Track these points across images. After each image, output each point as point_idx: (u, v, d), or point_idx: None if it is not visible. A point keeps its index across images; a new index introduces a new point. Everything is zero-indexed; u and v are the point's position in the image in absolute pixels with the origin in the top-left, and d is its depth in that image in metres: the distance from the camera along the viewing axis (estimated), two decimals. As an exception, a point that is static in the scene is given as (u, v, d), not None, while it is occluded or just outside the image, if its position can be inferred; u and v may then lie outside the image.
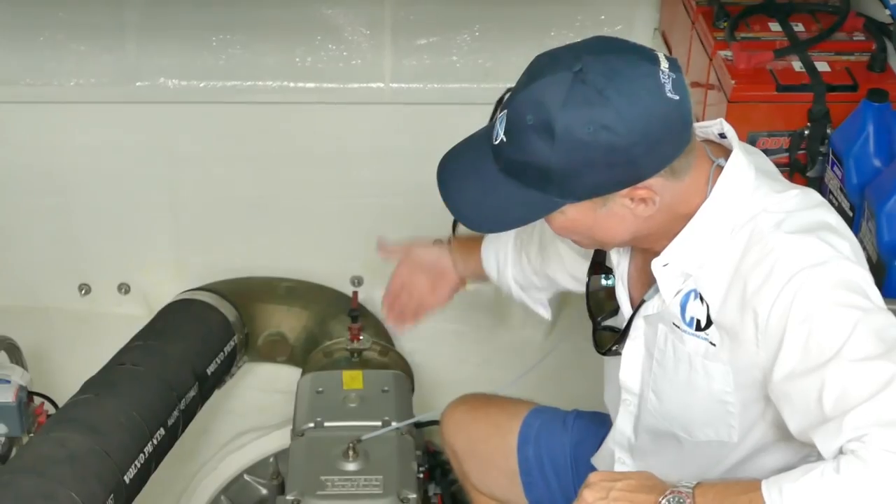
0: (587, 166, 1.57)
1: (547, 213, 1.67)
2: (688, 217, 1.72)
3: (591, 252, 2.03)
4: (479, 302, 3.92)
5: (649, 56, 1.59)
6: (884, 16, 3.11)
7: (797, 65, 2.94)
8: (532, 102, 1.57)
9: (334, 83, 3.64)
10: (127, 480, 2.58)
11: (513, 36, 3.57)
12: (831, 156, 2.88)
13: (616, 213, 1.67)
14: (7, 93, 3.57)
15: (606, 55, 1.58)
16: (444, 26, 3.62)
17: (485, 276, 2.41)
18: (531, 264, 2.31)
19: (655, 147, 1.58)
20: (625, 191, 1.62)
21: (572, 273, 2.23)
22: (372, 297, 3.79)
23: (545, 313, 2.38)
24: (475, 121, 3.50)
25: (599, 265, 2.02)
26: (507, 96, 1.67)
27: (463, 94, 3.62)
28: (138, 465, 2.64)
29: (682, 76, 1.60)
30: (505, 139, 1.62)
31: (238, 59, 3.60)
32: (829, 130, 2.88)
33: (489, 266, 2.37)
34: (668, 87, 1.55)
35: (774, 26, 3.05)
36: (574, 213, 1.67)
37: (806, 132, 2.90)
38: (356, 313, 3.60)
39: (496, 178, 1.66)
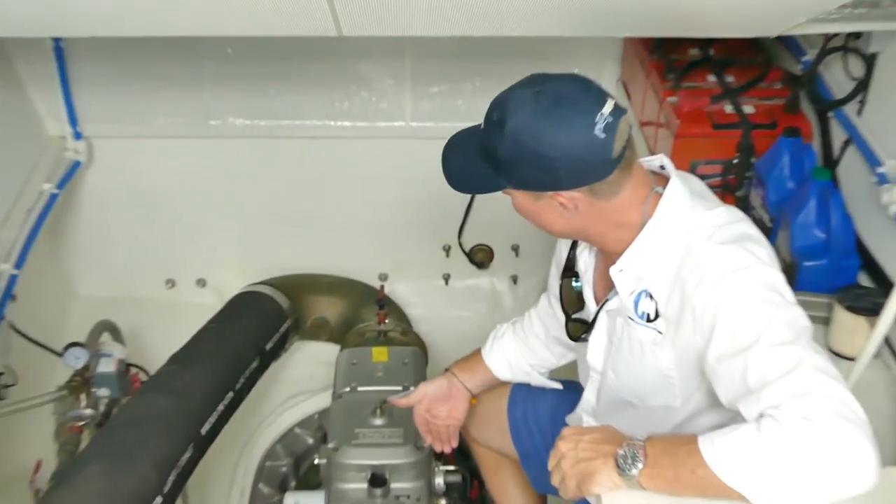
0: (521, 163, 1.64)
1: (495, 189, 1.74)
2: (627, 229, 1.75)
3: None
4: (478, 296, 3.94)
5: (598, 98, 1.61)
6: (797, 69, 3.11)
7: (729, 108, 2.95)
8: (500, 103, 1.66)
9: (365, 122, 3.66)
10: (203, 433, 2.60)
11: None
12: (755, 179, 2.89)
13: (547, 208, 1.72)
14: (110, 130, 3.59)
15: (565, 87, 1.61)
16: (452, 78, 3.63)
17: (494, 381, 2.34)
18: (539, 341, 2.28)
19: (574, 168, 1.62)
20: (550, 193, 1.67)
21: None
22: (395, 289, 3.82)
23: (558, 386, 2.33)
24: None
25: (570, 270, 2.02)
26: None
27: (464, 131, 3.61)
28: (212, 421, 2.65)
29: (619, 122, 1.61)
30: (482, 127, 1.70)
31: (289, 103, 3.61)
32: (753, 159, 2.89)
33: (501, 370, 2.32)
34: (599, 126, 1.57)
35: (711, 77, 3.05)
36: (519, 197, 1.75)
37: (735, 160, 2.91)
38: (382, 302, 3.61)
39: (474, 155, 1.72)
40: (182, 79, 3.54)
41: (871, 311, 2.44)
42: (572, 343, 2.05)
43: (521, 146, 1.62)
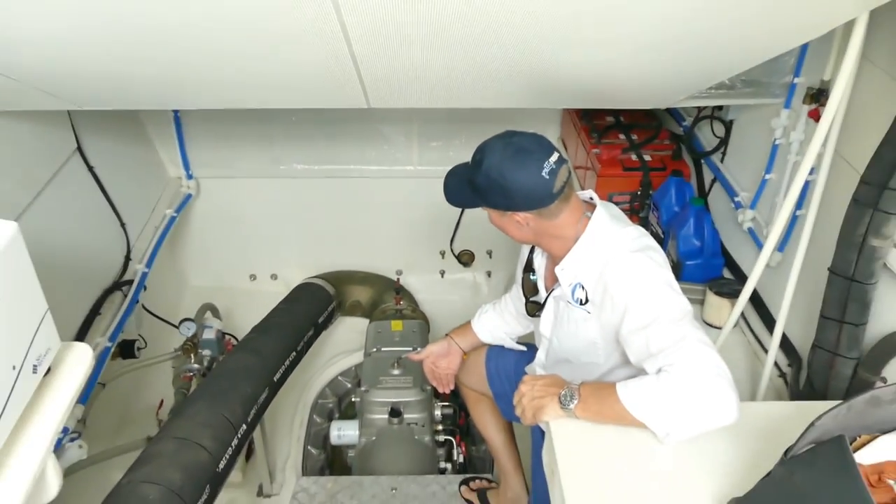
0: (490, 191, 1.65)
1: (476, 206, 1.75)
2: (567, 241, 1.74)
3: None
4: (464, 285, 3.94)
5: (547, 151, 1.63)
6: (679, 130, 3.10)
7: (633, 157, 2.94)
8: (481, 149, 1.69)
9: (385, 166, 3.64)
10: (275, 380, 2.57)
11: (481, 140, 3.51)
12: (652, 205, 2.88)
13: (509, 222, 1.73)
14: (212, 172, 3.58)
15: (526, 141, 1.64)
16: (445, 136, 3.62)
17: (479, 343, 2.31)
18: (511, 316, 2.25)
19: (526, 198, 1.64)
20: (510, 213, 1.69)
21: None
22: (406, 281, 3.81)
23: (522, 348, 2.28)
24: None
25: (529, 268, 2.01)
26: None
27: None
28: (281, 372, 2.63)
29: (560, 168, 1.64)
30: (469, 163, 1.72)
31: (334, 153, 3.60)
32: (651, 192, 2.88)
33: (484, 336, 2.28)
34: (546, 170, 1.60)
35: (622, 136, 3.04)
36: (492, 213, 1.75)
37: (639, 192, 2.90)
38: (398, 289, 3.61)
39: (463, 182, 1.73)
40: (260, 137, 3.53)
41: (732, 294, 2.44)
42: (530, 317, 2.03)
43: (490, 180, 1.63)
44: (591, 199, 1.79)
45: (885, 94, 1.84)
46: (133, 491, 1.83)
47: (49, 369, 1.50)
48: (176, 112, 3.36)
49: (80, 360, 1.63)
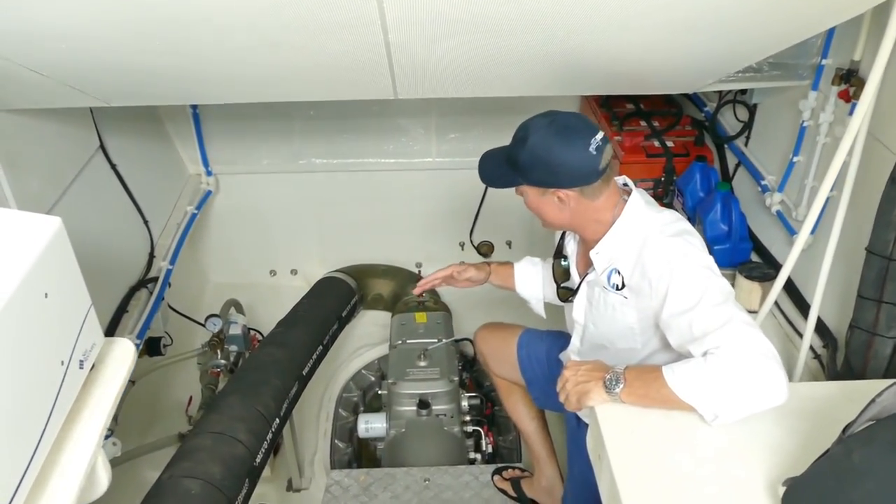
0: (535, 168, 1.65)
1: (516, 185, 1.74)
2: (603, 225, 1.74)
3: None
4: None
5: (592, 129, 1.63)
6: (700, 116, 3.09)
7: (656, 143, 2.92)
8: (524, 127, 1.68)
9: (405, 159, 3.63)
10: (304, 373, 2.58)
11: (498, 133, 3.52)
12: (676, 191, 2.87)
13: (548, 202, 1.71)
14: (231, 168, 3.58)
15: (570, 119, 1.65)
16: (463, 128, 3.61)
17: (510, 287, 2.28)
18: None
19: (571, 174, 1.64)
20: (552, 190, 1.67)
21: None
22: (426, 273, 3.75)
23: (543, 315, 2.26)
24: (478, 180, 3.53)
25: (559, 254, 2.00)
26: None
27: (473, 164, 3.52)
28: (310, 365, 2.64)
29: (605, 147, 1.64)
30: (510, 143, 1.70)
31: (353, 147, 3.59)
32: (674, 178, 2.87)
33: (519, 283, 2.25)
34: (592, 147, 1.61)
35: (643, 123, 3.03)
36: (530, 193, 1.73)
37: (662, 179, 2.89)
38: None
39: (501, 162, 1.74)
40: (279, 132, 3.53)
41: (762, 278, 2.43)
42: (562, 303, 2.02)
43: (535, 156, 1.63)
44: (626, 184, 1.78)
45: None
46: (175, 486, 1.84)
47: (93, 365, 1.51)
48: (194, 109, 3.36)
49: (123, 355, 1.63)
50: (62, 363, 1.37)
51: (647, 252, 1.65)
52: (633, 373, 1.53)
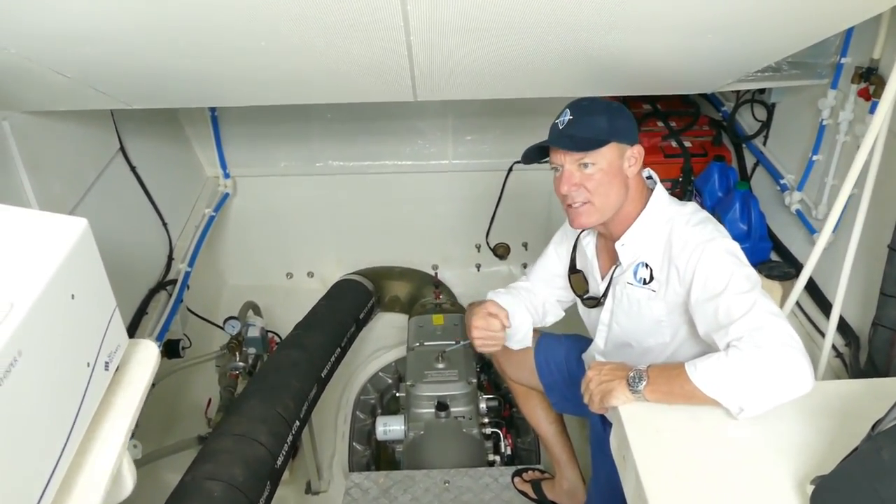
0: (619, 113, 1.70)
1: (604, 144, 1.66)
2: (630, 216, 1.74)
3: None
4: (499, 278, 3.92)
5: None
6: (717, 116, 3.08)
7: (674, 143, 2.92)
8: (578, 101, 1.71)
9: (421, 161, 3.64)
10: (323, 375, 2.58)
11: (514, 135, 3.57)
12: (695, 191, 2.86)
13: (620, 172, 1.69)
14: (249, 171, 3.60)
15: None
16: (479, 130, 3.61)
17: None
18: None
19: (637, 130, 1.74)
20: (630, 148, 1.69)
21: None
22: (443, 275, 3.82)
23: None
24: (496, 180, 3.55)
25: (573, 269, 1.99)
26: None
27: (489, 165, 3.63)
28: (328, 367, 2.64)
29: None
30: (588, 115, 1.68)
31: (370, 149, 3.60)
32: (692, 178, 2.86)
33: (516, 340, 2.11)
34: None
35: (660, 124, 3.02)
36: (611, 157, 1.68)
37: (680, 179, 2.88)
38: (437, 284, 3.61)
39: (594, 122, 1.67)
40: (296, 135, 3.54)
41: (783, 277, 2.43)
42: (589, 309, 1.99)
43: (610, 105, 1.68)
44: (650, 177, 1.78)
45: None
46: (198, 488, 1.84)
47: (117, 367, 1.52)
48: (213, 112, 3.38)
49: (147, 357, 1.64)
50: (88, 365, 1.38)
51: (674, 240, 1.66)
52: (656, 370, 1.53)
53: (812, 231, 2.41)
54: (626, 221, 1.73)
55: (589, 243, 1.93)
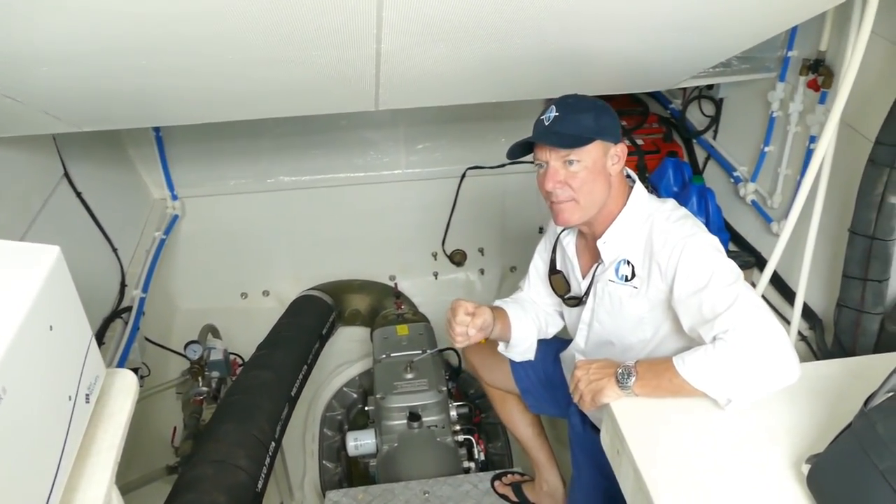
0: (604, 111, 1.70)
1: (591, 141, 1.66)
2: (611, 214, 1.76)
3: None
4: (457, 285, 3.94)
5: None
6: (666, 113, 3.16)
7: (626, 141, 2.97)
8: (562, 99, 1.71)
9: (374, 172, 3.62)
10: (293, 394, 2.55)
11: (466, 142, 3.62)
12: (650, 187, 2.91)
13: (604, 170, 1.71)
14: (197, 191, 3.53)
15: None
16: (432, 138, 3.63)
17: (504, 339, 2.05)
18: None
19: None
20: (613, 147, 1.70)
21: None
22: (401, 285, 3.77)
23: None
24: (450, 187, 3.56)
25: (553, 270, 1.99)
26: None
27: (442, 173, 3.65)
28: (297, 386, 2.61)
29: None
30: (574, 112, 1.68)
31: (321, 163, 3.57)
32: (647, 174, 2.92)
33: (517, 350, 2.08)
34: None
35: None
36: (595, 155, 1.68)
37: (636, 176, 2.93)
38: (398, 294, 3.59)
39: (578, 122, 1.68)
40: (246, 152, 3.49)
41: (742, 266, 2.46)
42: (571, 308, 1.98)
43: (595, 102, 1.70)
44: (629, 175, 1.80)
45: (888, 60, 1.90)
46: (182, 517, 1.80)
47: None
48: (158, 133, 3.30)
49: (125, 386, 1.59)
50: (70, 398, 1.33)
51: (655, 236, 1.68)
52: (644, 365, 1.55)
53: (768, 220, 2.48)
54: (608, 219, 1.75)
55: (569, 243, 1.94)
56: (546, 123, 1.69)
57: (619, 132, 1.73)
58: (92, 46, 1.45)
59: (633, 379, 1.53)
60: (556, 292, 1.99)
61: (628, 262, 1.74)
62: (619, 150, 1.72)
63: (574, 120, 1.67)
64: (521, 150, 1.78)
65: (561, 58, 1.87)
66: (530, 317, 2.05)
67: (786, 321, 2.28)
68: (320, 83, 1.90)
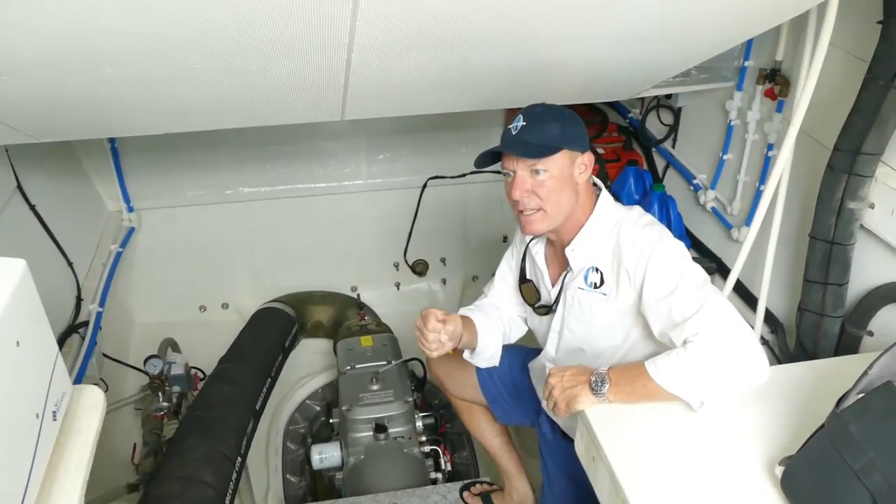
0: (571, 121, 1.71)
1: (557, 150, 1.67)
2: (578, 221, 1.77)
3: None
4: (420, 295, 3.93)
5: None
6: (624, 122, 3.21)
7: (588, 150, 3.01)
8: (532, 107, 1.72)
9: (334, 182, 3.62)
10: (257, 408, 2.52)
11: (426, 152, 3.64)
12: (612, 195, 2.96)
13: (571, 179, 1.72)
14: (154, 203, 3.47)
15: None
16: (391, 149, 3.63)
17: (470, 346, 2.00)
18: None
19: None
20: (581, 155, 1.72)
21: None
22: (364, 296, 3.73)
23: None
24: (411, 197, 3.57)
25: (524, 279, 1.99)
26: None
27: (403, 183, 3.66)
28: (262, 399, 2.59)
29: None
30: (541, 121, 1.69)
31: (281, 173, 3.55)
32: (608, 182, 2.95)
33: (483, 357, 2.03)
34: None
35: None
36: (561, 165, 1.69)
37: (597, 184, 2.97)
38: (361, 304, 3.57)
39: (544, 131, 1.68)
40: (204, 162, 3.44)
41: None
42: (541, 317, 1.97)
43: (562, 111, 1.71)
44: (595, 183, 1.83)
45: (844, 70, 1.97)
46: (149, 537, 1.76)
47: (62, 415, 1.43)
48: (113, 144, 3.24)
49: (92, 403, 1.56)
50: (37, 416, 1.30)
51: (622, 243, 1.70)
52: (618, 371, 1.57)
53: (728, 226, 2.54)
54: (576, 227, 1.77)
55: (538, 252, 1.94)
56: (513, 133, 1.70)
57: (587, 141, 1.75)
58: (52, 56, 1.42)
59: (607, 385, 1.55)
60: (526, 301, 1.99)
61: (597, 270, 1.76)
62: (587, 159, 1.74)
63: (541, 129, 1.68)
64: (488, 159, 1.79)
65: (525, 67, 1.89)
66: (494, 323, 2.04)
67: (749, 325, 2.32)
68: (289, 93, 1.88)
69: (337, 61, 1.61)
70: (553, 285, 1.91)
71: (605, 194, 1.78)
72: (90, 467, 1.41)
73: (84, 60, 1.46)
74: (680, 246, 1.67)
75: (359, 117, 2.21)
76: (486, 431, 2.45)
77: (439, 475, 2.80)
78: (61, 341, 2.59)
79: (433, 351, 1.84)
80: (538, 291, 1.96)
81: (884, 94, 1.77)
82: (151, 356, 2.79)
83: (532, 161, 1.68)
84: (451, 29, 1.51)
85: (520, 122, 1.69)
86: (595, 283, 1.76)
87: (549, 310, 1.92)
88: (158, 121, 2.13)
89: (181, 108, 1.96)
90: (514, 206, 1.75)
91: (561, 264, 1.86)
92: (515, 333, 2.13)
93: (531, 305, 1.98)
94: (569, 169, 1.71)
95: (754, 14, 1.65)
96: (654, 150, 3.05)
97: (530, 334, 2.14)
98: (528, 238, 1.94)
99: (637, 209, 1.77)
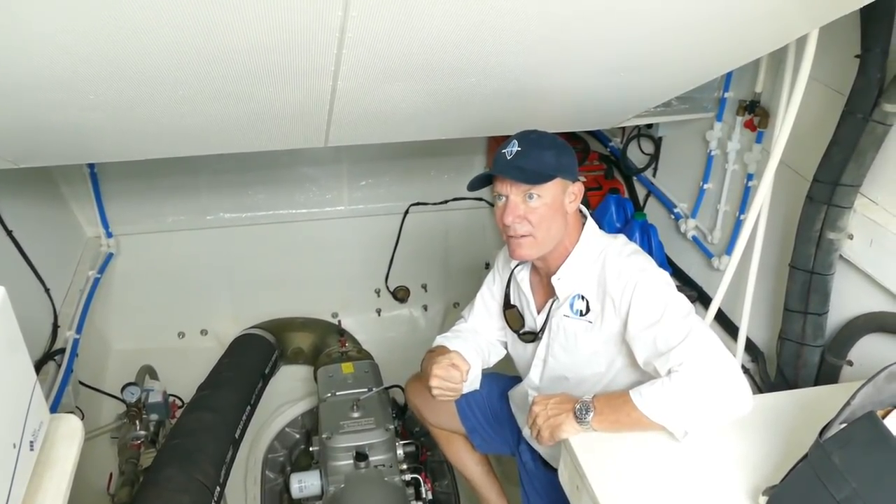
0: (564, 150, 1.73)
1: (551, 178, 1.70)
2: (565, 250, 1.79)
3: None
4: (401, 321, 3.92)
5: None
6: (605, 150, 3.24)
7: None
8: (526, 133, 1.72)
9: (316, 209, 3.61)
10: (236, 436, 2.50)
11: (408, 178, 3.65)
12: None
13: (562, 207, 1.74)
14: (133, 229, 3.44)
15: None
16: (373, 175, 3.64)
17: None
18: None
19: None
20: (572, 185, 1.74)
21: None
22: (345, 322, 3.72)
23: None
24: (393, 223, 3.57)
25: (508, 304, 1.99)
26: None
27: (385, 209, 3.67)
28: (241, 427, 2.56)
29: None
30: (535, 149, 1.69)
31: (262, 199, 3.54)
32: (590, 211, 2.97)
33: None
34: None
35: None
36: (554, 193, 1.71)
37: (579, 213, 2.99)
38: (342, 331, 3.55)
39: (541, 159, 1.70)
40: (184, 188, 3.43)
41: (687, 301, 2.56)
42: (526, 344, 1.98)
43: (556, 140, 1.73)
44: (580, 211, 1.84)
45: (823, 103, 2.00)
46: (126, 569, 1.72)
47: (39, 446, 1.41)
48: (92, 169, 3.22)
49: (70, 432, 1.54)
50: (14, 446, 1.28)
51: (608, 272, 1.71)
52: (602, 400, 1.57)
53: (709, 255, 2.56)
54: (563, 255, 1.78)
55: (524, 278, 1.95)
56: (508, 157, 1.71)
57: (577, 171, 1.77)
58: (34, 80, 1.41)
59: (592, 414, 1.55)
60: (510, 327, 1.99)
61: (582, 297, 1.77)
62: (577, 189, 1.76)
63: (536, 156, 1.69)
64: (480, 182, 1.80)
65: (510, 96, 1.91)
66: (473, 348, 2.03)
67: (732, 356, 2.34)
68: (274, 119, 1.89)
69: (322, 88, 1.61)
70: (539, 312, 1.91)
71: (591, 223, 1.80)
72: (67, 498, 1.38)
73: (65, 85, 1.45)
74: (665, 275, 1.69)
75: (343, 143, 2.22)
76: (467, 460, 2.44)
77: (420, 504, 2.78)
78: (37, 368, 2.55)
79: (437, 396, 1.86)
80: (522, 317, 1.96)
81: (862, 126, 1.80)
82: (129, 384, 2.75)
83: (527, 187, 1.69)
84: (439, 59, 1.53)
85: (514, 147, 1.70)
86: (581, 311, 1.77)
87: (534, 337, 1.92)
88: (141, 146, 2.12)
89: (164, 134, 1.95)
90: (503, 230, 1.77)
91: (546, 291, 1.87)
92: (493, 358, 2.13)
93: (515, 331, 1.98)
94: (560, 197, 1.73)
95: (735, 48, 1.69)
96: (635, 178, 3.08)
97: (507, 361, 2.14)
98: (513, 263, 1.95)
99: (622, 238, 1.79)
